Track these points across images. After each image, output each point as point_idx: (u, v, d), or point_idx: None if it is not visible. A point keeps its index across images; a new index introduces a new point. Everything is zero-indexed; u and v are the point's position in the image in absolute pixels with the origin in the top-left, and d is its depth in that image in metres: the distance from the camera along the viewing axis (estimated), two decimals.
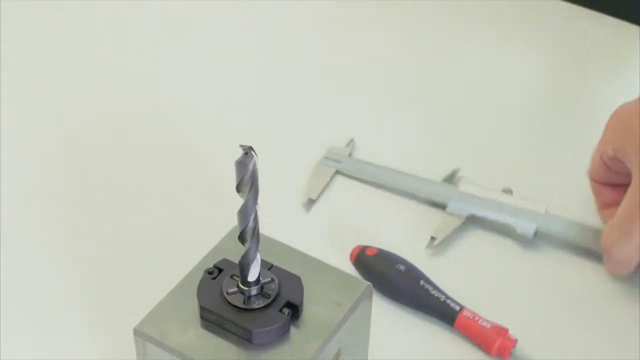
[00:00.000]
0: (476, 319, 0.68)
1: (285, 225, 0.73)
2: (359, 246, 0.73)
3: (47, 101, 0.87)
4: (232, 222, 0.56)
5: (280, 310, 0.56)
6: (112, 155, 0.82)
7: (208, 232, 0.63)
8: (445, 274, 0.72)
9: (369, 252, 0.72)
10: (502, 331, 0.68)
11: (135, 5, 0.96)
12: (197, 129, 0.84)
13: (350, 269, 0.72)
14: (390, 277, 0.71)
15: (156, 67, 0.91)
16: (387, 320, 0.70)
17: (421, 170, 0.79)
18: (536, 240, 0.75)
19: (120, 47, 0.92)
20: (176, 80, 0.89)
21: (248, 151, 0.51)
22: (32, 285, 0.72)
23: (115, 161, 0.82)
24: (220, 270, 0.58)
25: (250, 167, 0.51)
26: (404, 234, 0.76)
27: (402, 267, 0.71)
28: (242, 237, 0.54)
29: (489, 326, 0.68)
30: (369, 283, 0.60)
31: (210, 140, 0.83)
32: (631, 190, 0.67)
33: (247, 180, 0.51)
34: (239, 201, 0.53)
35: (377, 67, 0.91)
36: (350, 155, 0.81)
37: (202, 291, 0.57)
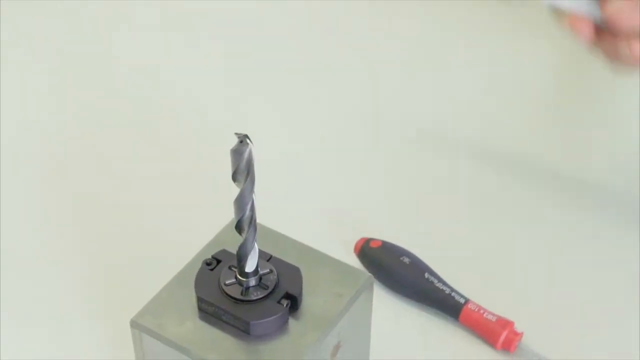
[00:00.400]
0: (481, 312, 0.67)
1: (286, 216, 0.73)
2: (363, 238, 0.72)
3: (47, 101, 0.87)
4: (233, 212, 0.55)
5: (279, 302, 0.55)
6: (109, 148, 0.82)
7: (208, 222, 0.62)
8: (451, 266, 0.71)
9: (373, 244, 0.71)
10: (508, 324, 0.66)
11: (136, 5, 0.96)
12: (195, 120, 0.84)
13: (354, 261, 0.71)
14: (394, 269, 0.70)
15: (148, 63, 0.90)
16: (391, 313, 0.69)
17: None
18: None
19: (120, 46, 0.92)
20: (167, 75, 0.89)
21: (243, 139, 0.50)
22: (31, 278, 0.71)
23: (113, 153, 0.81)
24: (218, 261, 0.57)
25: (246, 155, 0.50)
26: (408, 225, 0.75)
27: (406, 260, 0.70)
28: (239, 227, 0.54)
29: (494, 319, 0.67)
30: (369, 274, 0.59)
31: (211, 131, 0.82)
32: None
33: (242, 168, 0.51)
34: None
35: (373, 65, 0.91)
36: None
37: (200, 282, 0.56)
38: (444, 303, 0.69)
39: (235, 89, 0.88)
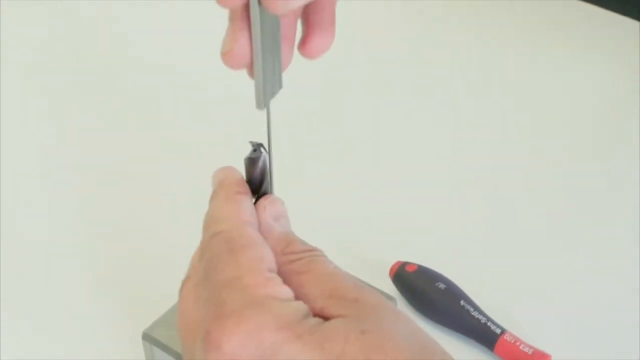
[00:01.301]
0: (517, 343, 0.64)
1: (323, 234, 0.71)
2: (399, 262, 0.69)
3: (50, 101, 0.87)
4: None
5: None
6: (123, 159, 0.81)
7: None
8: (489, 294, 0.68)
9: (408, 269, 0.69)
10: (545, 357, 0.63)
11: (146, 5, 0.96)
12: (212, 127, 0.83)
13: (389, 284, 0.69)
14: (429, 295, 0.67)
15: (160, 66, 0.90)
16: None
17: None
18: None
19: (129, 45, 0.92)
20: (180, 79, 0.88)
21: (257, 148, 0.48)
22: (44, 288, 0.71)
23: (126, 165, 0.80)
24: None
25: (260, 164, 0.48)
26: (446, 248, 0.72)
27: (442, 286, 0.67)
28: None
29: (530, 352, 0.64)
30: (393, 297, 0.57)
31: (229, 139, 0.80)
32: None
33: (256, 178, 0.49)
34: None
35: (411, 84, 0.88)
36: None
37: None
38: (479, 332, 0.66)
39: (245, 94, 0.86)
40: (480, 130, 0.83)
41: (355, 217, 0.75)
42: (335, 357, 0.39)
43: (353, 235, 0.74)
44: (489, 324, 0.66)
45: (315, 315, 0.42)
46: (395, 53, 0.92)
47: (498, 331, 0.65)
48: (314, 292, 0.43)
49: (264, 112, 0.47)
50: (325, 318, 0.42)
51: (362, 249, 0.72)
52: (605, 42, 0.91)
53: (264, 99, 0.46)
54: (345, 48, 0.90)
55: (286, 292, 0.42)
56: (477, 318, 0.66)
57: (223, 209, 0.45)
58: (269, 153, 0.48)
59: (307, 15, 0.48)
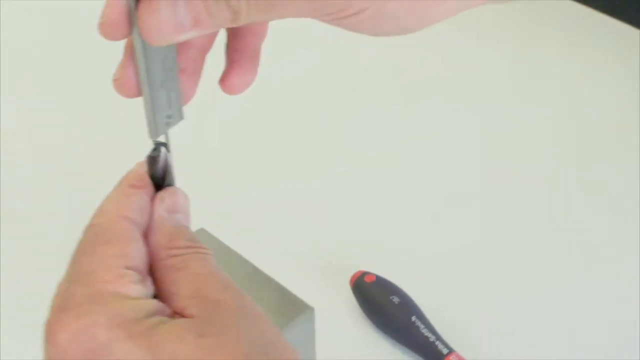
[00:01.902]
0: None
1: (289, 240, 0.71)
2: (360, 271, 0.68)
3: (50, 100, 0.87)
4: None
5: None
6: (124, 158, 0.80)
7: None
8: (444, 311, 0.66)
9: (367, 279, 0.67)
10: None
11: None
12: (215, 129, 0.82)
13: (349, 293, 0.68)
14: (383, 308, 0.66)
15: None
16: (374, 353, 0.66)
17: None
18: None
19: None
20: None
21: (157, 147, 0.48)
22: (34, 288, 0.71)
23: (126, 165, 0.80)
24: None
25: (160, 162, 0.48)
26: (409, 261, 0.71)
27: (396, 300, 0.66)
28: None
29: None
30: (312, 307, 0.55)
31: (230, 141, 0.80)
32: None
33: (157, 176, 0.49)
34: None
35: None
36: None
37: None
38: (426, 350, 0.65)
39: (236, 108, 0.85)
40: (453, 138, 0.82)
41: (322, 224, 0.75)
42: (167, 357, 0.39)
43: (319, 242, 0.73)
44: (437, 343, 0.64)
45: (176, 314, 0.42)
46: (390, 56, 0.90)
47: (445, 351, 0.64)
48: (182, 290, 0.43)
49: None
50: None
51: (327, 256, 0.72)
52: (607, 48, 0.88)
53: (155, 130, 0.46)
54: (332, 54, 0.90)
55: (136, 290, 0.42)
56: (426, 336, 0.64)
57: (108, 202, 0.46)
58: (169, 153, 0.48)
59: (229, 51, 0.48)
